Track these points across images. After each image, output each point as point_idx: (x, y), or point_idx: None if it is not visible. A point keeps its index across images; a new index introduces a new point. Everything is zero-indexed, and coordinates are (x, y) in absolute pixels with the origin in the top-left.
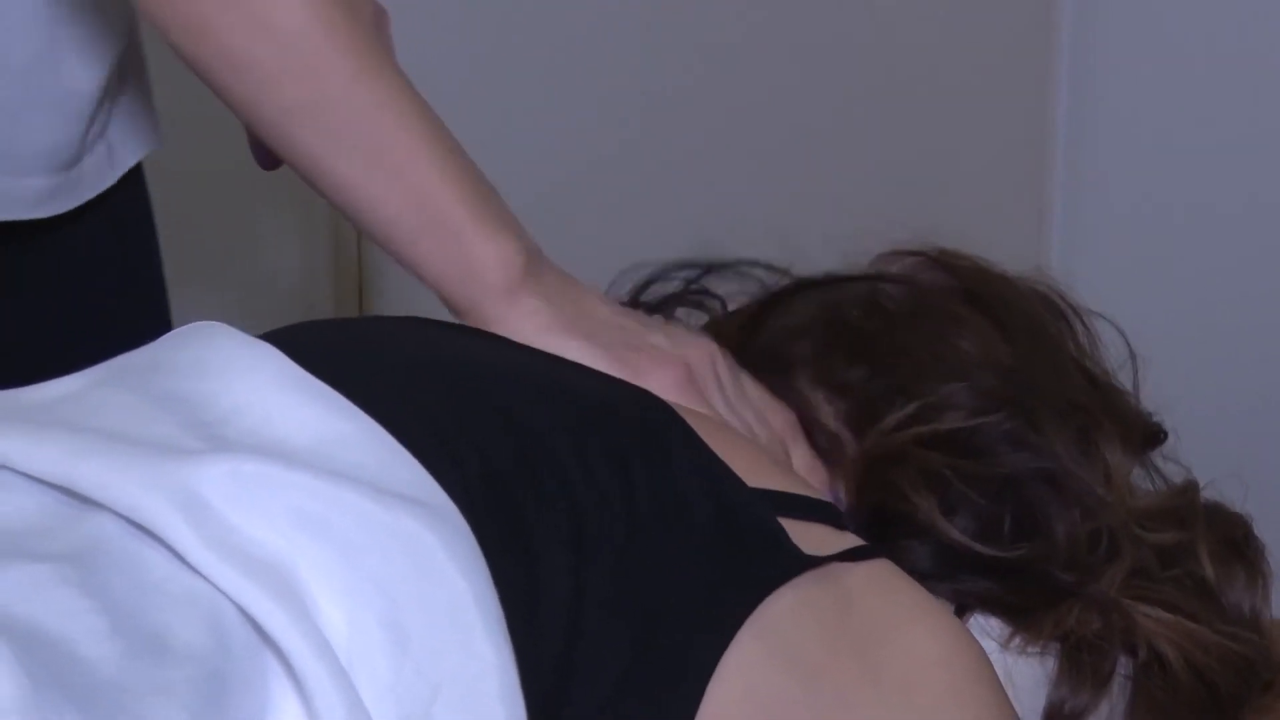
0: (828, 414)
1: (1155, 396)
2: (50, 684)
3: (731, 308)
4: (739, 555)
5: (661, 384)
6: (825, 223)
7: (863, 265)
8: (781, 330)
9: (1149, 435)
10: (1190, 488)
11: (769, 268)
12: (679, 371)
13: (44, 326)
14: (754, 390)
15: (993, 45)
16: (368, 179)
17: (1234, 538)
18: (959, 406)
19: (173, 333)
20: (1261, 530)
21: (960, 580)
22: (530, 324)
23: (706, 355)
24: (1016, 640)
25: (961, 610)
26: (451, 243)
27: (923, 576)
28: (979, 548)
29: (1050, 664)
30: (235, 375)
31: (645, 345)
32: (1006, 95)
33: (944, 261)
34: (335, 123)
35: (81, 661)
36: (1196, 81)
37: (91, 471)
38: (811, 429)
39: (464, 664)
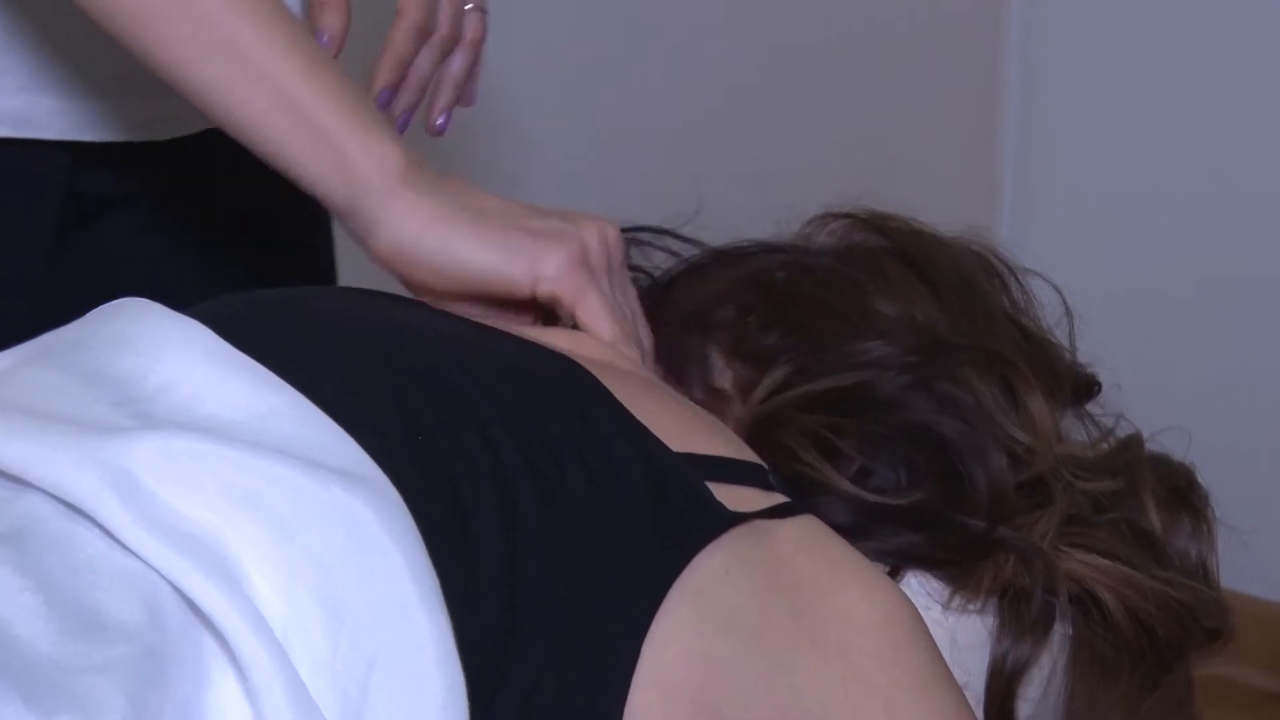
0: (725, 379)
1: (1101, 353)
2: None
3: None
4: (665, 518)
5: (555, 263)
6: (776, 194)
7: (794, 229)
8: (705, 294)
9: (1081, 386)
10: (1133, 441)
11: (679, 238)
12: (574, 249)
13: (210, 239)
14: (633, 296)
15: (943, 14)
16: (230, 84)
17: (1178, 485)
18: (861, 364)
19: (102, 308)
20: (1205, 480)
21: (881, 535)
22: (413, 219)
23: (598, 231)
24: (956, 599)
25: (895, 572)
26: (322, 143)
27: (844, 532)
28: (871, 497)
29: (991, 620)
30: (164, 351)
31: (536, 226)
32: (957, 68)
33: (875, 223)
34: (194, 30)
35: (15, 640)
36: (1145, 52)
37: (20, 452)
38: (708, 395)
39: (401, 635)
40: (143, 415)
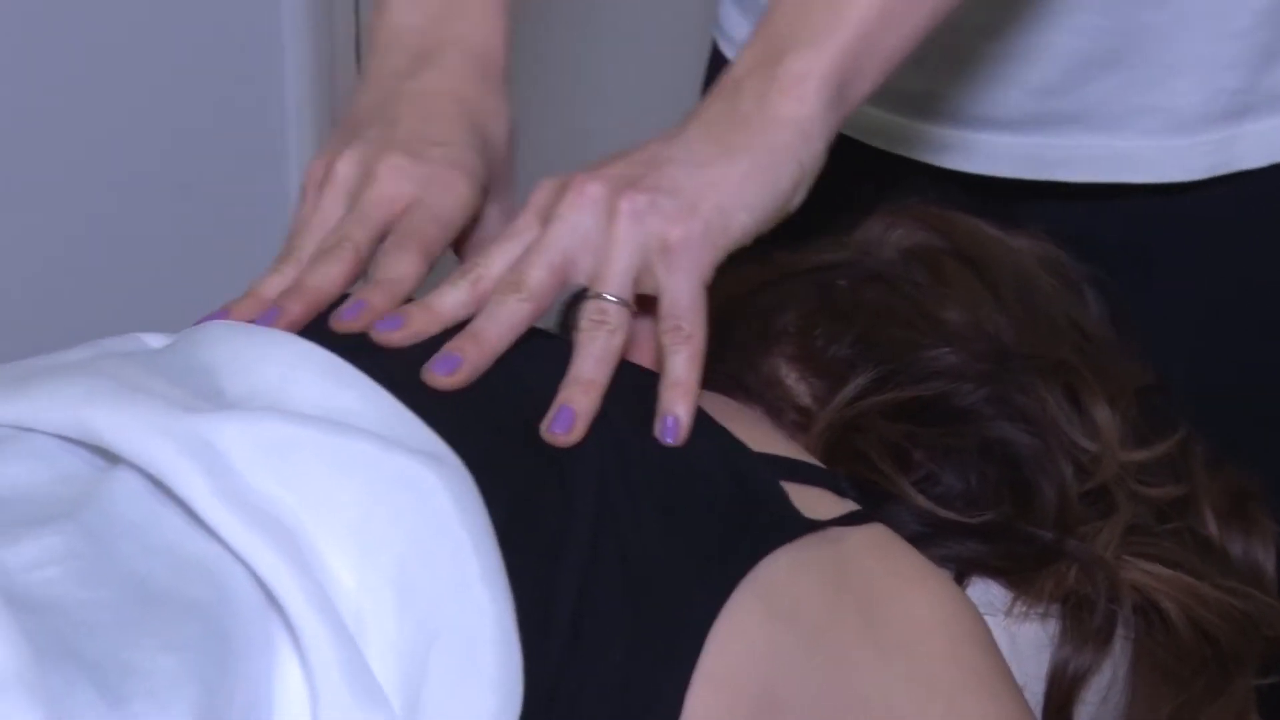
0: (801, 392)
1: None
2: (56, 651)
3: None
4: (742, 517)
5: None
6: None
7: (855, 227)
8: (767, 300)
9: (1143, 388)
10: (1192, 444)
11: None
12: None
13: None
14: None
15: None
16: None
17: (1236, 491)
18: (937, 374)
19: (186, 332)
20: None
21: (947, 544)
22: None
23: None
24: (1019, 605)
25: (960, 578)
26: None
27: (911, 540)
28: (944, 514)
29: (1053, 626)
30: (242, 369)
31: None
32: None
33: (935, 222)
34: None
35: (86, 627)
36: None
37: (105, 418)
38: (782, 407)
39: (461, 611)
40: (225, 399)
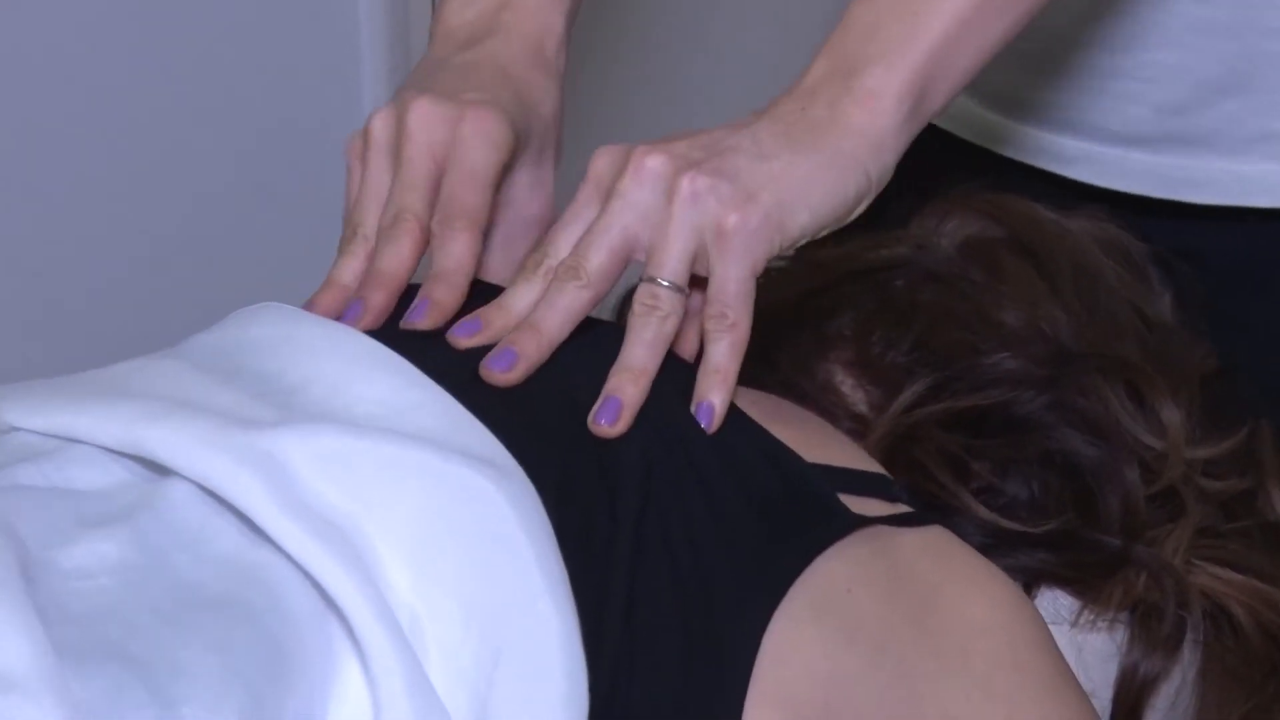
0: (857, 399)
1: None
2: (99, 654)
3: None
4: (792, 521)
5: None
6: None
7: (909, 219)
8: (823, 303)
9: (1208, 376)
10: (1260, 432)
11: None
12: None
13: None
14: None
15: None
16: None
17: None
18: (996, 381)
19: (239, 312)
20: None
21: (1012, 555)
22: None
23: None
24: (1086, 614)
25: (1028, 588)
26: None
27: (979, 551)
28: (1007, 524)
29: (1121, 634)
30: (299, 353)
31: None
32: None
33: (992, 210)
34: None
35: (138, 629)
36: None
37: (160, 436)
38: (837, 414)
39: (526, 626)
40: (283, 406)
